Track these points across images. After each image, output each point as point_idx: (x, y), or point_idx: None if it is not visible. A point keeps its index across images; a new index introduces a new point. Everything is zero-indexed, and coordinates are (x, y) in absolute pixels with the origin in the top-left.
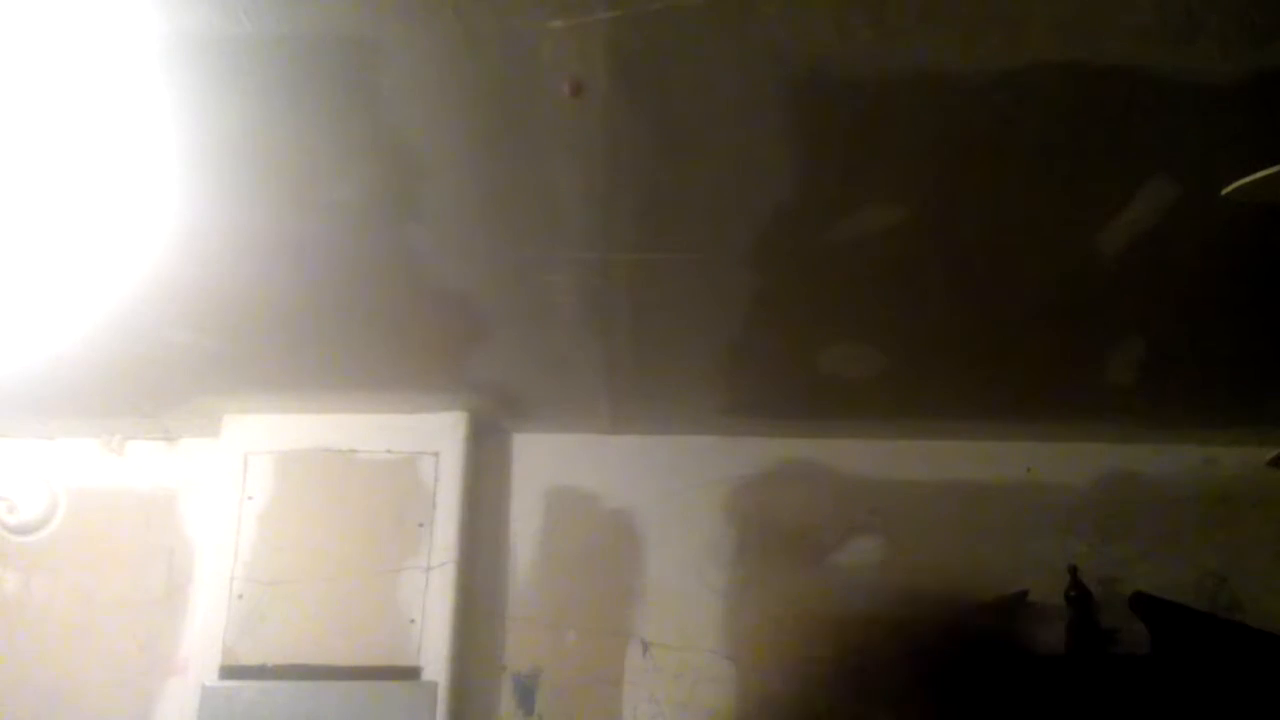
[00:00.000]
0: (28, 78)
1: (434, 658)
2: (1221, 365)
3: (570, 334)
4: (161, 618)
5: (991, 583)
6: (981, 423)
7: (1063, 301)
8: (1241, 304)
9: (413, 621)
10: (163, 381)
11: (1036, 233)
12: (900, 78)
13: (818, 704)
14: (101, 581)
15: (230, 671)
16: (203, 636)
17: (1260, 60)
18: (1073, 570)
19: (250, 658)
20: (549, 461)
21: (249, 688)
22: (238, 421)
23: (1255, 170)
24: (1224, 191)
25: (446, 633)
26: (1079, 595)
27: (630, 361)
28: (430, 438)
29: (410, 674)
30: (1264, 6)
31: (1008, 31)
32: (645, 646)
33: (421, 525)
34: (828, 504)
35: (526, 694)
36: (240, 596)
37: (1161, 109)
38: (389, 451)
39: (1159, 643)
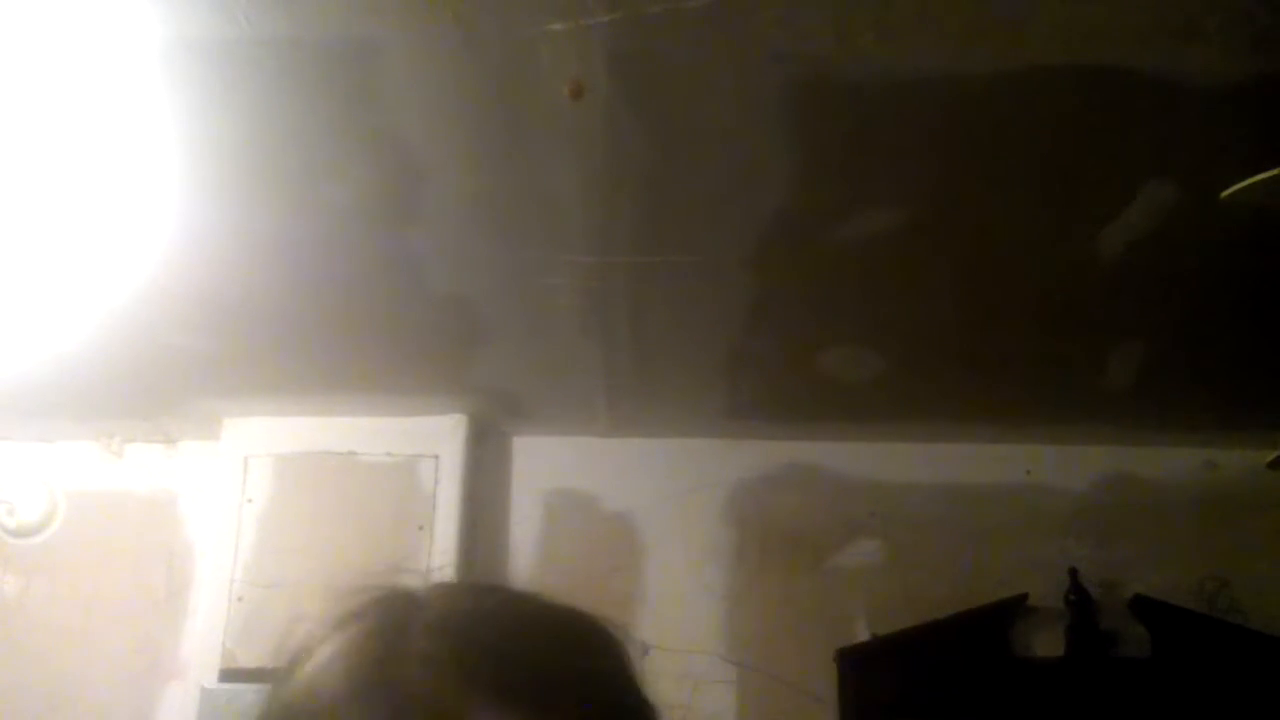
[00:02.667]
0: (28, 80)
1: None
2: (1221, 367)
3: (570, 337)
4: (161, 620)
5: (991, 586)
6: (981, 425)
7: (1062, 304)
8: (1241, 306)
9: None
10: (162, 384)
11: (1036, 236)
12: (899, 80)
13: None
14: (101, 584)
15: (230, 674)
16: (202, 639)
17: (1260, 63)
18: (1073, 573)
19: (250, 660)
20: (548, 464)
21: (249, 690)
22: (237, 424)
23: (1254, 173)
24: (1223, 195)
25: None
26: (1079, 598)
27: (630, 364)
28: (430, 440)
29: None
30: (1264, 8)
31: (1007, 34)
32: (645, 649)
33: (421, 528)
34: (827, 507)
35: None
36: (240, 599)
37: (1161, 112)
38: (389, 454)
39: (1159, 646)
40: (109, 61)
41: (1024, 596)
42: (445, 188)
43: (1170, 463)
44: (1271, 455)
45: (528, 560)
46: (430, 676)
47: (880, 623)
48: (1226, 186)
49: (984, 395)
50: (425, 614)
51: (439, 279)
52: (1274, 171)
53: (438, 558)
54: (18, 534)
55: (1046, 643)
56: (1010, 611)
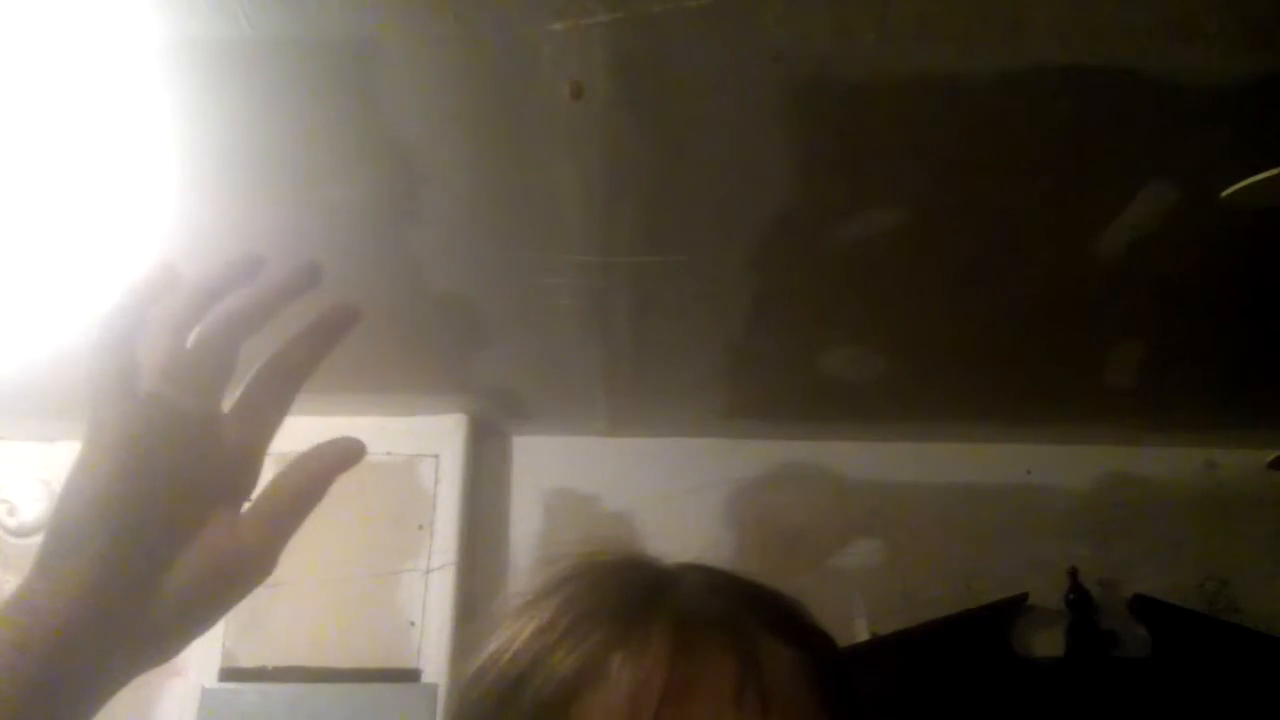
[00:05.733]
0: (27, 79)
1: (434, 660)
2: (1221, 367)
3: (570, 336)
4: None
5: (991, 585)
6: (981, 425)
7: (1062, 304)
8: (1241, 306)
9: (412, 624)
10: None
11: (1036, 235)
12: (900, 80)
13: None
14: None
15: (230, 674)
16: (202, 639)
17: (1260, 62)
18: (1073, 573)
19: (250, 660)
20: (549, 464)
21: (248, 690)
22: None
23: (1254, 173)
24: (1224, 194)
25: (446, 635)
26: (1079, 598)
27: (630, 364)
28: (430, 440)
29: (410, 676)
30: (1264, 7)
31: (1007, 34)
32: None
33: (421, 527)
34: (827, 507)
35: None
36: None
37: (1161, 111)
38: (388, 454)
39: (1159, 646)
40: (108, 61)
41: (1024, 596)
42: (445, 187)
43: (1170, 463)
44: (1271, 455)
45: (528, 559)
46: (714, 601)
47: (880, 623)
48: (1226, 186)
49: (984, 395)
50: (682, 565)
51: (439, 279)
52: (1274, 171)
53: (438, 557)
54: (18, 534)
55: (1046, 643)
56: (1010, 611)
